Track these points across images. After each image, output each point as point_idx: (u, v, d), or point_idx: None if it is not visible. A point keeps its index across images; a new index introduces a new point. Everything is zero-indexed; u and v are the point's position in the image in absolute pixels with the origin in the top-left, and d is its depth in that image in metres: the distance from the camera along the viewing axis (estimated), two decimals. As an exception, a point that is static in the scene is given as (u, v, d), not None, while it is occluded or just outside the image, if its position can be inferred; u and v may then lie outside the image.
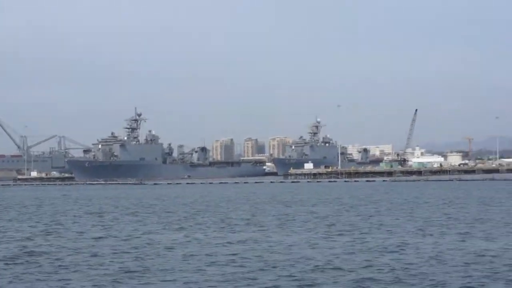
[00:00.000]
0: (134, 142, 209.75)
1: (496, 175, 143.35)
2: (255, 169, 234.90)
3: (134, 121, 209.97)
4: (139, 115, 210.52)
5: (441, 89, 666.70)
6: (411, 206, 55.83)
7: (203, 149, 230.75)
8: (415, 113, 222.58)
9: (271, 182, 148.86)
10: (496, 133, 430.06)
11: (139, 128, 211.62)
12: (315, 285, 19.69)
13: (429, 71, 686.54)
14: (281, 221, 42.57)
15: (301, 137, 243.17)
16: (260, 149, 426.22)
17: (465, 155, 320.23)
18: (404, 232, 34.41)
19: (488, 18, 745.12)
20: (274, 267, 22.85)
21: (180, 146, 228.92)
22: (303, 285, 19.77)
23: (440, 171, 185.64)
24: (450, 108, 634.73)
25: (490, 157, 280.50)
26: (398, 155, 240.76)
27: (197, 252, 27.13)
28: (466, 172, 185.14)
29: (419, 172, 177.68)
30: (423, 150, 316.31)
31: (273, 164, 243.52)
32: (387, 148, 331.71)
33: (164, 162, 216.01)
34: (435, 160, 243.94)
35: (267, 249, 27.82)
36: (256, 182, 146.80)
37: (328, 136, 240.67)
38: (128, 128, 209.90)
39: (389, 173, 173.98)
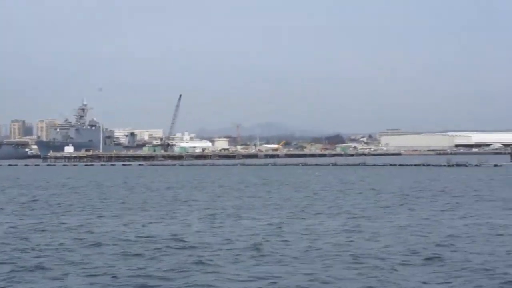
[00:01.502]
0: None
1: (247, 160, 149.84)
2: (17, 152, 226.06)
3: None
4: None
5: (212, 74, 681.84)
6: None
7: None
8: (179, 99, 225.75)
9: (26, 165, 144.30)
10: (264, 120, 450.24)
11: None
12: None
13: (200, 52, 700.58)
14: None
15: (66, 119, 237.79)
16: (27, 131, 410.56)
17: (233, 140, 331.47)
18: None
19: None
20: None
21: None
22: None
23: (202, 156, 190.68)
24: (222, 95, 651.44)
25: (256, 143, 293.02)
26: (161, 139, 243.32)
27: None
28: (227, 157, 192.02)
29: (181, 157, 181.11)
30: (192, 135, 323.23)
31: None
32: (158, 133, 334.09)
33: None
34: (201, 145, 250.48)
35: None
36: (9, 165, 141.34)
37: (94, 119, 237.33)
38: None
39: (152, 157, 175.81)
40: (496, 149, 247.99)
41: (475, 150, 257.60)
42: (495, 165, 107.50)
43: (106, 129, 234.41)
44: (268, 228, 28.50)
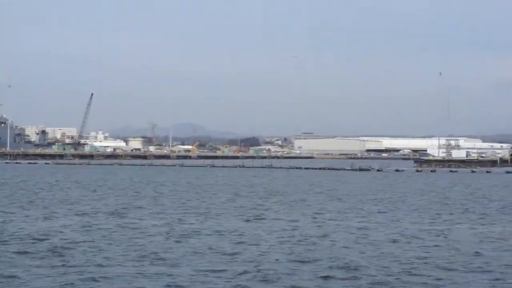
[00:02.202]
0: None
1: (156, 161, 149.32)
2: None
3: None
4: None
5: (133, 74, 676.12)
6: None
7: None
8: (91, 98, 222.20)
9: None
10: (184, 121, 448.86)
11: None
12: None
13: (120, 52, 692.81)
14: None
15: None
16: None
17: (148, 140, 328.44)
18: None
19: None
20: None
21: None
22: None
23: (112, 155, 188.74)
24: (142, 95, 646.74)
25: (169, 143, 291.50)
26: (72, 138, 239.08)
27: None
28: (139, 157, 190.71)
29: (91, 156, 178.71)
30: (107, 135, 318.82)
31: None
32: (72, 131, 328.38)
33: None
34: (114, 145, 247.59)
35: None
36: None
37: (4, 116, 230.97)
38: None
39: (60, 156, 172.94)
40: (405, 155, 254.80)
41: (384, 155, 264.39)
42: (397, 170, 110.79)
43: (16, 126, 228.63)
44: (150, 228, 28.96)
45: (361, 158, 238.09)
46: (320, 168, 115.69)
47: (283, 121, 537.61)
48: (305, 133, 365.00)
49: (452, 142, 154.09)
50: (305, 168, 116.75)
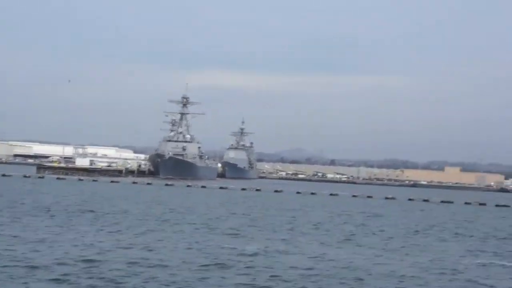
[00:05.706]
0: None
1: None
2: None
3: None
4: None
5: None
6: None
7: None
8: None
9: None
10: None
11: None
12: None
13: None
14: None
15: None
16: None
17: None
18: None
19: None
20: None
21: None
22: None
23: None
24: None
25: None
26: None
27: None
28: None
29: None
30: None
31: None
32: None
33: None
34: None
35: None
36: None
37: None
38: None
39: None
40: (52, 162, 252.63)
41: (30, 160, 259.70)
42: (4, 175, 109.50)
43: None
44: None
45: (6, 163, 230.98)
46: None
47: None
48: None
49: (80, 151, 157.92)
50: None
